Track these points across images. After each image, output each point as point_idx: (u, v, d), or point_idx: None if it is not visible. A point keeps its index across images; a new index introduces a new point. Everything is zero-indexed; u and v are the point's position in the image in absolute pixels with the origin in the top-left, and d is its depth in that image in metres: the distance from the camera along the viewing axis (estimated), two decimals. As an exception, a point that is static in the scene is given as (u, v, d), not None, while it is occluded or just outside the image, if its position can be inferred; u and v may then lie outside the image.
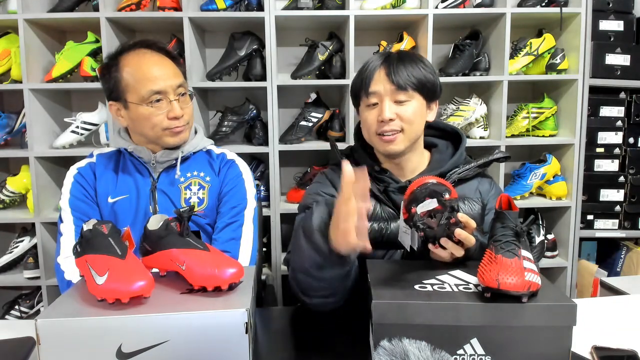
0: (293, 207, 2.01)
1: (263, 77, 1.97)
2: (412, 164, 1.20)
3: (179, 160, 1.21)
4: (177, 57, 1.24)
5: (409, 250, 0.97)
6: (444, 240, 0.93)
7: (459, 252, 0.94)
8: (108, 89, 1.18)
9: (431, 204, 0.88)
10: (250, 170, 2.20)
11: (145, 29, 2.15)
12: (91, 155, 1.27)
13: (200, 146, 1.27)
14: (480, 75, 2.07)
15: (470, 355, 0.79)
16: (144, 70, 1.14)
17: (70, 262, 1.11)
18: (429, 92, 1.14)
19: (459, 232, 0.91)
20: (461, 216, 0.91)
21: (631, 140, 2.15)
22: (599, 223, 2.17)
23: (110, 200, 1.20)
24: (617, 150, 2.15)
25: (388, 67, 1.11)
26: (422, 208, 0.88)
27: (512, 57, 2.04)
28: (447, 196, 0.88)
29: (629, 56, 2.09)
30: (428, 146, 1.25)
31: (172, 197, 1.21)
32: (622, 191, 2.16)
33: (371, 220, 1.13)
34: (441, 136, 1.27)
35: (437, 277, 0.91)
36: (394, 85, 1.10)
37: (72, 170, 1.24)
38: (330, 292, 0.99)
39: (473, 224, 0.94)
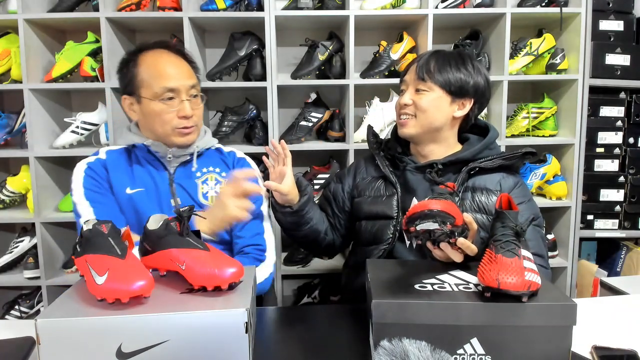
0: (293, 207, 2.00)
1: (263, 77, 1.97)
2: (435, 154, 1.27)
3: (195, 155, 1.26)
4: (194, 60, 1.29)
5: (408, 246, 1.16)
6: (444, 245, 0.93)
7: (458, 258, 0.94)
8: (124, 82, 1.23)
9: (431, 226, 0.87)
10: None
11: (145, 29, 2.15)
12: (97, 153, 1.27)
13: (210, 144, 1.32)
14: (480, 75, 2.07)
15: (470, 355, 0.79)
16: (159, 68, 1.19)
17: None
18: (453, 88, 1.20)
19: (461, 242, 0.90)
20: (461, 242, 0.91)
21: (631, 140, 2.15)
22: (599, 223, 2.17)
23: (128, 191, 1.21)
24: (617, 150, 2.15)
25: (421, 59, 1.22)
26: (421, 227, 0.87)
27: (512, 57, 2.04)
28: (449, 225, 0.87)
29: (629, 56, 2.09)
30: (464, 141, 1.31)
31: (189, 191, 1.24)
32: (622, 191, 2.16)
33: (373, 196, 1.30)
34: (477, 132, 1.32)
35: (437, 276, 0.91)
36: (417, 75, 1.21)
37: (82, 165, 1.23)
38: (293, 228, 1.29)
39: (474, 249, 0.94)
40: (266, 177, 2.08)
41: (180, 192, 1.24)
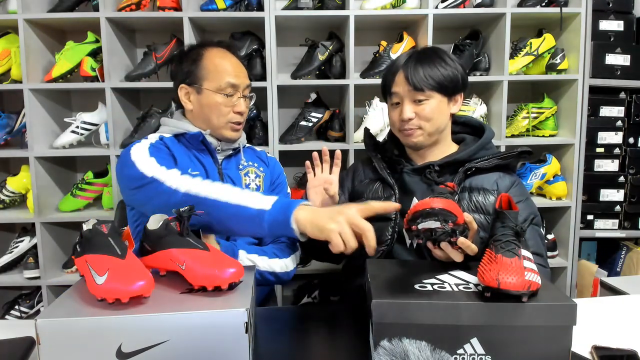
0: (293, 207, 2.00)
1: (263, 77, 1.97)
2: (432, 155, 1.28)
3: (242, 149, 1.36)
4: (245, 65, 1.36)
5: (408, 245, 1.18)
6: (444, 245, 0.93)
7: (458, 258, 0.94)
8: (184, 72, 1.28)
9: (433, 224, 0.87)
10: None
11: (145, 29, 2.15)
12: (147, 137, 1.25)
13: (245, 142, 1.41)
14: (480, 75, 2.07)
15: (470, 355, 0.79)
16: (225, 64, 1.27)
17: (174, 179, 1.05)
18: (448, 89, 1.21)
19: (462, 241, 0.90)
20: (461, 242, 0.90)
21: (631, 140, 2.15)
22: (599, 223, 2.17)
23: (190, 172, 1.20)
24: (617, 150, 2.15)
25: (406, 70, 1.20)
26: (423, 226, 0.87)
27: (512, 57, 2.04)
28: (451, 223, 0.86)
29: (629, 56, 2.09)
30: (460, 142, 1.32)
31: (235, 182, 1.30)
32: (622, 191, 2.16)
33: (371, 199, 1.29)
34: (472, 132, 1.34)
35: (437, 276, 0.91)
36: (412, 87, 1.18)
37: (144, 143, 1.19)
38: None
39: (475, 249, 0.93)
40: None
41: (228, 182, 1.29)
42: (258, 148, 1.47)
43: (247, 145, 1.43)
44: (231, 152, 1.34)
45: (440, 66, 1.19)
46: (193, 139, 1.27)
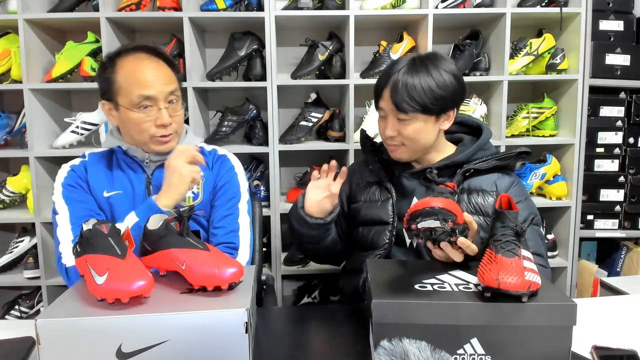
0: (293, 207, 2.00)
1: (263, 77, 1.97)
2: (429, 159, 1.25)
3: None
4: (175, 64, 1.25)
5: (408, 245, 1.20)
6: (444, 244, 0.93)
7: (458, 258, 0.95)
8: (102, 88, 1.20)
9: (433, 224, 0.87)
10: (250, 170, 2.17)
11: (145, 29, 2.15)
12: (83, 156, 1.28)
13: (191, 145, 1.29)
14: (480, 75, 2.07)
15: (470, 355, 0.79)
16: (137, 75, 1.15)
17: (68, 248, 1.12)
18: (434, 110, 1.15)
19: (461, 241, 0.90)
20: (461, 242, 0.91)
21: (631, 140, 2.15)
22: (599, 223, 2.17)
23: (105, 194, 1.21)
24: (617, 150, 2.15)
25: (392, 87, 1.15)
26: (422, 225, 0.87)
27: (512, 57, 2.04)
28: (450, 222, 0.86)
29: (629, 56, 2.09)
30: (457, 141, 1.30)
31: None
32: (622, 191, 2.16)
33: (368, 202, 1.29)
34: (470, 132, 1.32)
35: (437, 276, 0.91)
36: (394, 106, 1.15)
37: (65, 167, 1.24)
38: (315, 242, 1.27)
39: (475, 249, 0.94)
40: (263, 178, 2.10)
41: (155, 194, 1.21)
42: (209, 147, 1.34)
43: (199, 145, 1.31)
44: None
45: (428, 85, 1.13)
46: (120, 154, 1.24)
